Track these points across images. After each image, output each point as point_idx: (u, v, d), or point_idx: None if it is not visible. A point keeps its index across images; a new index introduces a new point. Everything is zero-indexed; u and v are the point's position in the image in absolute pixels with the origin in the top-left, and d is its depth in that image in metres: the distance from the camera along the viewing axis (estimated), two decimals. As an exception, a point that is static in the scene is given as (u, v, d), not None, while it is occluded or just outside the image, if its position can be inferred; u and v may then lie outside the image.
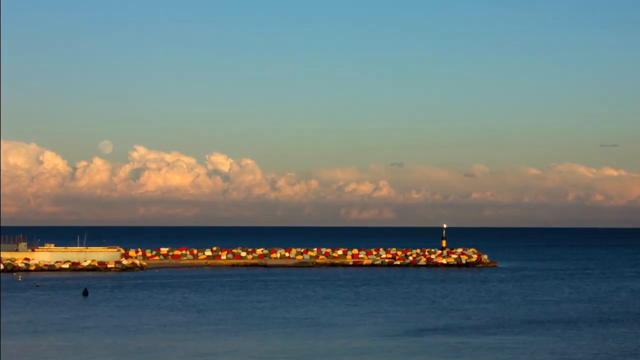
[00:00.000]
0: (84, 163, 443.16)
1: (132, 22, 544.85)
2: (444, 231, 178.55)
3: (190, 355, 61.04)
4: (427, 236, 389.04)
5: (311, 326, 76.63)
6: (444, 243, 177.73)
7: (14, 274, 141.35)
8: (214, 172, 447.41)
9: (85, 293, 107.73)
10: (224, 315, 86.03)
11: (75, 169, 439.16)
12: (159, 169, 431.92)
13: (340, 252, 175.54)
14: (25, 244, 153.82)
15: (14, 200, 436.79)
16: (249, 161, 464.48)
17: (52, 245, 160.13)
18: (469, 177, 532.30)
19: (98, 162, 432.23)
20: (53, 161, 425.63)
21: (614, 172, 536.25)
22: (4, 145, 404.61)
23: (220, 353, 61.96)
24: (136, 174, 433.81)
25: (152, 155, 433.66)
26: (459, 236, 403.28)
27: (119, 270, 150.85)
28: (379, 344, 65.80)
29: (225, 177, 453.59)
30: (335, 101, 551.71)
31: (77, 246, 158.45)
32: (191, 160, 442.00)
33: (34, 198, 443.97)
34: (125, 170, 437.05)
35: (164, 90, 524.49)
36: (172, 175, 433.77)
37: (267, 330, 73.58)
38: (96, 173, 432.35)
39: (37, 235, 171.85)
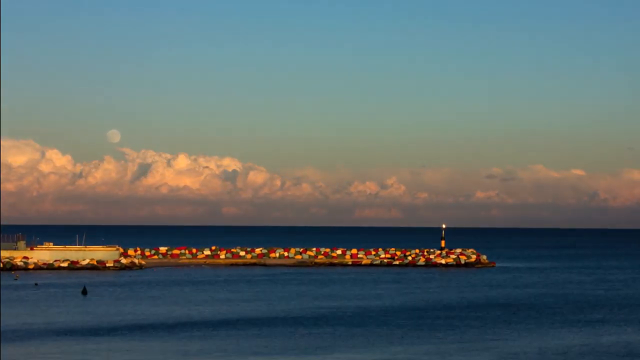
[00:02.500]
0: (88, 162, 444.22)
1: (133, 20, 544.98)
2: (442, 231, 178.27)
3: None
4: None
5: None
6: (443, 243, 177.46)
7: (12, 272, 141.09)
8: (221, 172, 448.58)
9: (84, 292, 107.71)
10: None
11: (81, 167, 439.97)
12: (166, 169, 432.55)
13: (339, 252, 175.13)
14: (24, 242, 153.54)
15: (16, 198, 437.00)
16: (255, 162, 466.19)
17: (51, 243, 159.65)
18: (489, 178, 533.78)
19: (105, 160, 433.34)
20: (57, 160, 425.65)
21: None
22: (7, 144, 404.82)
23: None
24: (143, 173, 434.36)
25: (159, 156, 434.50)
26: (463, 236, 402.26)
27: (118, 269, 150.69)
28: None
29: (232, 178, 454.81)
30: (342, 102, 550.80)
31: (76, 245, 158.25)
32: (197, 160, 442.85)
33: (37, 196, 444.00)
34: (132, 169, 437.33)
35: (170, 90, 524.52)
36: (178, 175, 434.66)
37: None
38: (102, 171, 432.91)
39: (37, 234, 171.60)
